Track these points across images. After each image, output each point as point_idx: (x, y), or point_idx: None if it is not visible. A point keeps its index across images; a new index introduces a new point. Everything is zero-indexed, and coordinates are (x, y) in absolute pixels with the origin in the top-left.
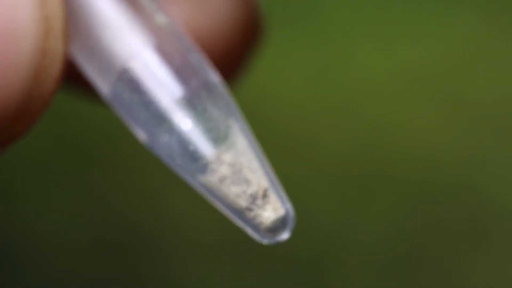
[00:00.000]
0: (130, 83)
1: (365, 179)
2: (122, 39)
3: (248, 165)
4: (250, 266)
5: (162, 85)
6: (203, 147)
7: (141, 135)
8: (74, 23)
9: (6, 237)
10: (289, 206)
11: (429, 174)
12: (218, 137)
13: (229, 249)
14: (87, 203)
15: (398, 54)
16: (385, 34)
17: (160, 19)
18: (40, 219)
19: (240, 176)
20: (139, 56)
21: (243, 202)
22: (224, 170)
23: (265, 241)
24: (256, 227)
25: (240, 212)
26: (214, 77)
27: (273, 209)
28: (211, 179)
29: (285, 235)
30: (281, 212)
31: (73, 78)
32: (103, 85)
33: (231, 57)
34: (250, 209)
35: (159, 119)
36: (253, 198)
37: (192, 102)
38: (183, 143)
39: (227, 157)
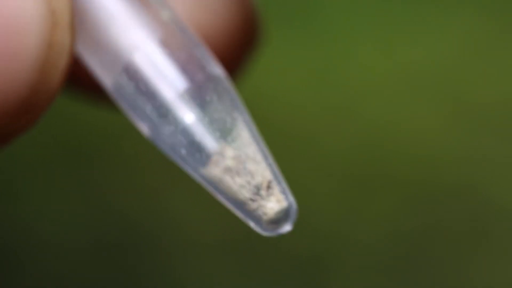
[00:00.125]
0: (134, 76)
1: (365, 179)
2: (127, 32)
3: (252, 157)
4: (250, 266)
5: (166, 78)
6: (207, 140)
7: (144, 128)
8: (79, 16)
9: (6, 237)
10: (292, 199)
11: (429, 174)
12: (222, 130)
13: (229, 249)
14: (87, 203)
15: (398, 54)
16: (385, 34)
17: (165, 13)
18: (40, 219)
19: (245, 167)
20: (143, 49)
21: (247, 193)
22: (228, 162)
23: (266, 233)
24: (259, 218)
25: (243, 204)
26: (218, 71)
27: (277, 201)
28: (214, 171)
29: (287, 227)
30: (284, 204)
31: (75, 80)
32: (106, 78)
33: (228, 57)
34: (253, 200)
35: (163, 112)
36: (257, 189)
37: (196, 96)
38: (187, 136)
39: (231, 149)
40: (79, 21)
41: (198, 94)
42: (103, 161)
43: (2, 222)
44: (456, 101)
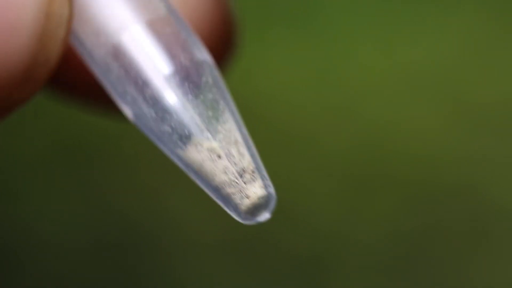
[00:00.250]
0: (119, 56)
1: (365, 179)
2: (115, 13)
3: (235, 143)
4: (250, 266)
5: (152, 60)
6: (190, 124)
7: (127, 110)
8: None
9: (6, 237)
10: (273, 189)
11: (429, 174)
12: (206, 114)
13: (229, 249)
14: (87, 203)
15: (398, 54)
16: (385, 34)
17: None
18: (40, 219)
19: (229, 151)
20: (130, 30)
21: (229, 177)
22: (211, 145)
23: (245, 220)
24: (239, 204)
25: (224, 188)
26: (205, 56)
27: (259, 186)
28: (197, 154)
29: (266, 215)
30: (266, 190)
31: (69, 83)
32: (93, 59)
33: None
34: (236, 185)
35: (147, 95)
36: (243, 171)
37: (181, 79)
38: (170, 119)
39: (215, 133)
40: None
41: (184, 78)
42: (103, 161)
43: (2, 222)
44: (456, 101)
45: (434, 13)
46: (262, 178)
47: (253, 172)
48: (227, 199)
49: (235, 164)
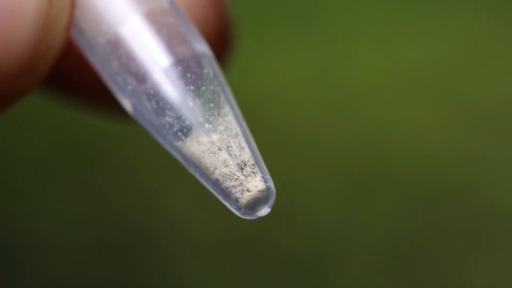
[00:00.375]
0: (118, 47)
1: (365, 179)
2: (114, 3)
3: (236, 135)
4: (250, 266)
5: (151, 51)
6: (191, 115)
7: (126, 103)
8: None
9: (6, 237)
10: (272, 182)
11: (429, 174)
12: (208, 106)
13: (229, 249)
14: (87, 203)
15: (398, 54)
16: (385, 34)
17: None
18: (40, 219)
19: (229, 144)
20: (129, 20)
21: (230, 169)
22: (212, 137)
23: (245, 215)
24: (239, 198)
25: (224, 181)
26: (204, 48)
27: (260, 180)
28: (198, 147)
29: (267, 209)
30: (266, 184)
31: (71, 89)
32: (93, 50)
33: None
34: (236, 177)
35: (146, 86)
36: (244, 164)
37: (180, 72)
38: (171, 110)
39: (216, 125)
40: None
41: (185, 69)
42: (103, 161)
43: (2, 222)
44: (456, 101)
45: (434, 13)
46: (262, 172)
47: (253, 165)
48: (227, 192)
49: (235, 156)
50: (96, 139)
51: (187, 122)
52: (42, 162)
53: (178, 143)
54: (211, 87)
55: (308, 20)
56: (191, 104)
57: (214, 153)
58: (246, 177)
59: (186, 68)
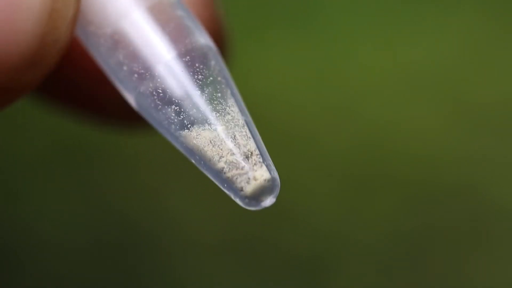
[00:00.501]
0: (121, 41)
1: (365, 179)
2: (114, 1)
3: (243, 126)
4: (250, 266)
5: (152, 46)
6: (198, 105)
7: (130, 98)
8: None
9: (6, 237)
10: (276, 173)
11: (429, 174)
12: (215, 96)
13: (229, 249)
14: (87, 203)
15: (398, 54)
16: (385, 34)
17: None
18: (40, 219)
19: (235, 134)
20: (131, 14)
21: (236, 158)
22: (219, 127)
23: (249, 205)
24: (244, 187)
25: (230, 170)
26: (207, 41)
27: (265, 170)
28: (204, 136)
29: (272, 199)
30: (272, 174)
31: (67, 97)
32: (96, 46)
33: None
34: (242, 166)
35: (148, 81)
36: (247, 156)
37: (182, 65)
38: (176, 101)
39: (223, 115)
40: None
41: (191, 60)
42: (103, 161)
43: (2, 222)
44: (456, 101)
45: (434, 13)
46: (268, 162)
47: (259, 155)
48: (232, 181)
49: (242, 145)
50: (96, 139)
51: (194, 111)
52: (42, 162)
53: (184, 133)
54: (218, 78)
55: (308, 20)
56: (199, 92)
57: (221, 141)
58: (253, 166)
59: (194, 58)
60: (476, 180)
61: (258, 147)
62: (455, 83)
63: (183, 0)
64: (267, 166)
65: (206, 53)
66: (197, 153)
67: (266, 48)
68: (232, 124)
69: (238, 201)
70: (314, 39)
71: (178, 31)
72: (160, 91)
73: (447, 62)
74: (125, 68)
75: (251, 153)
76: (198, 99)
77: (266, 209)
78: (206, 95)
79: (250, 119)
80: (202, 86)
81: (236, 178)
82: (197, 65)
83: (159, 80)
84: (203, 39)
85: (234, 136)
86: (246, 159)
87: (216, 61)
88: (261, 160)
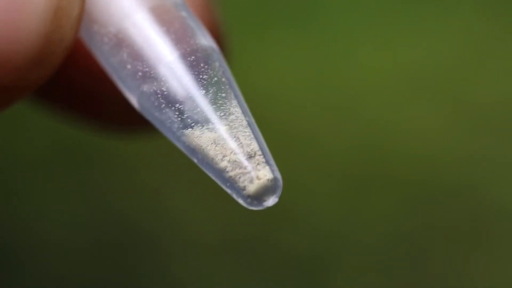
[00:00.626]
0: (123, 41)
1: (365, 179)
2: (118, 0)
3: (246, 126)
4: (250, 266)
5: (155, 47)
6: (202, 104)
7: (132, 99)
8: None
9: (6, 237)
10: (279, 173)
11: (429, 174)
12: (218, 96)
13: (229, 249)
14: (87, 203)
15: (398, 54)
16: (385, 34)
17: None
18: (40, 219)
19: (238, 134)
20: (134, 15)
21: (239, 158)
22: (222, 127)
23: (251, 204)
24: (247, 186)
25: (232, 170)
26: (210, 42)
27: (268, 170)
28: (207, 135)
29: (274, 199)
30: (275, 174)
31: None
32: (99, 47)
33: None
34: (245, 166)
35: (151, 82)
36: (251, 155)
37: (185, 65)
38: (180, 100)
39: (227, 115)
40: None
41: (195, 60)
42: (103, 161)
43: (2, 222)
44: (456, 101)
45: (434, 13)
46: (270, 162)
47: (261, 155)
48: (234, 180)
49: (246, 145)
50: (96, 139)
51: (199, 110)
52: (42, 162)
53: (187, 132)
54: (222, 79)
55: (308, 20)
56: (203, 92)
57: (224, 141)
58: (256, 166)
59: (198, 58)
60: (476, 180)
61: (261, 147)
62: (455, 83)
63: None
64: (270, 166)
65: (210, 54)
66: (200, 152)
67: (266, 48)
68: (236, 124)
69: (240, 200)
70: (314, 39)
71: (182, 31)
72: (164, 90)
73: (447, 62)
74: (128, 67)
75: (255, 153)
76: (203, 99)
77: (267, 209)
78: (210, 94)
79: (253, 120)
80: (206, 86)
81: (239, 178)
82: (202, 65)
83: (163, 79)
84: (207, 40)
85: (238, 136)
86: (250, 158)
87: (219, 62)
88: (264, 160)
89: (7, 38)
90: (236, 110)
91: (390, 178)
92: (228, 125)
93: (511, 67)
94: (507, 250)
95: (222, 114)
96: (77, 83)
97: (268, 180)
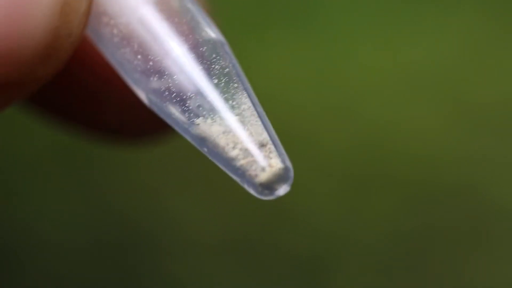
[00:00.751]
0: (133, 33)
1: (365, 179)
2: None
3: (258, 116)
4: (250, 266)
5: (166, 36)
6: (214, 92)
7: (141, 94)
8: None
9: (6, 237)
10: (290, 162)
11: (429, 174)
12: (230, 86)
13: (229, 249)
14: (87, 203)
15: (398, 54)
16: (385, 34)
17: None
18: (40, 219)
19: (250, 122)
20: (141, 9)
21: (252, 146)
22: (235, 115)
23: (262, 194)
24: (258, 175)
25: (245, 157)
26: (217, 34)
27: (280, 159)
28: (219, 123)
29: (286, 188)
30: (286, 163)
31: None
32: (106, 43)
33: None
34: (258, 154)
35: (158, 76)
36: (263, 144)
37: (192, 58)
38: (192, 89)
39: (240, 104)
40: None
41: (202, 53)
42: (103, 161)
43: (2, 222)
44: (456, 101)
45: (434, 13)
46: (281, 151)
47: (273, 145)
48: (245, 168)
49: (258, 134)
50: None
51: (211, 99)
52: (42, 162)
53: (198, 121)
54: (234, 71)
55: (308, 20)
56: (216, 81)
57: (236, 129)
58: (268, 154)
59: (210, 49)
60: (476, 180)
61: (272, 137)
62: (455, 83)
63: None
64: (281, 155)
65: (220, 45)
66: (211, 141)
67: (266, 48)
68: (248, 113)
69: (251, 189)
70: (314, 39)
71: (191, 24)
72: (176, 81)
73: (447, 62)
74: (137, 60)
75: (267, 142)
76: (215, 88)
77: (266, 209)
78: (223, 84)
79: (263, 111)
80: (219, 75)
81: (251, 166)
82: (214, 55)
83: (173, 71)
84: (215, 33)
85: (250, 125)
86: (262, 147)
87: (229, 54)
88: (275, 149)
89: (14, 34)
90: (248, 100)
91: (390, 178)
92: (241, 114)
93: (511, 67)
94: (507, 250)
95: (234, 103)
96: (79, 84)
97: (280, 168)
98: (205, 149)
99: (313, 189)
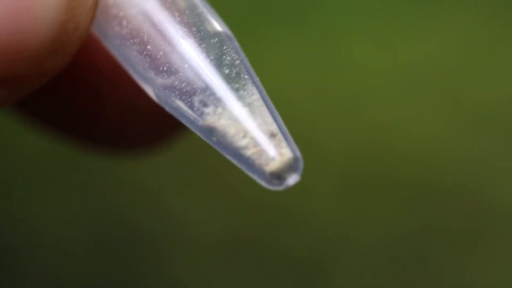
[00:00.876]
0: (139, 29)
1: (365, 179)
2: None
3: (267, 106)
4: (250, 266)
5: (175, 29)
6: (225, 82)
7: (149, 89)
8: None
9: (6, 237)
10: (299, 152)
11: (429, 174)
12: (241, 76)
13: (229, 249)
14: (87, 203)
15: (398, 54)
16: (385, 34)
17: None
18: (40, 219)
19: (261, 112)
20: (146, 4)
21: (262, 135)
22: (243, 108)
23: (271, 183)
24: (268, 164)
25: (255, 146)
26: (225, 27)
27: (290, 149)
28: (230, 112)
29: (296, 177)
30: (296, 153)
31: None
32: (112, 40)
33: None
34: (268, 143)
35: (165, 71)
36: (273, 134)
37: (215, 43)
38: (203, 79)
39: (250, 94)
40: None
41: (213, 45)
42: (103, 161)
43: (2, 222)
44: (456, 101)
45: (434, 13)
46: (291, 141)
47: (282, 135)
48: (255, 157)
49: (268, 124)
50: None
51: (222, 89)
52: (42, 162)
53: (208, 110)
54: (244, 63)
55: (308, 20)
56: (227, 72)
57: (246, 119)
58: (279, 143)
59: (221, 41)
60: (476, 180)
61: (282, 127)
62: (455, 83)
63: None
64: (291, 145)
65: (230, 38)
66: (220, 130)
67: (266, 48)
68: (259, 103)
69: (260, 180)
70: (314, 39)
71: (201, 16)
72: (187, 70)
73: (447, 62)
74: (148, 47)
75: (277, 132)
76: (226, 78)
77: (266, 209)
78: (234, 74)
79: (272, 103)
80: (230, 66)
81: (261, 155)
82: (225, 47)
83: (184, 61)
84: (224, 27)
85: (260, 115)
86: (272, 137)
87: (233, 49)
88: (285, 139)
89: (21, 27)
90: (257, 92)
91: (390, 178)
92: (252, 104)
93: (511, 67)
94: (507, 250)
95: (246, 93)
96: (80, 84)
97: (290, 158)
98: (214, 139)
99: (313, 189)
